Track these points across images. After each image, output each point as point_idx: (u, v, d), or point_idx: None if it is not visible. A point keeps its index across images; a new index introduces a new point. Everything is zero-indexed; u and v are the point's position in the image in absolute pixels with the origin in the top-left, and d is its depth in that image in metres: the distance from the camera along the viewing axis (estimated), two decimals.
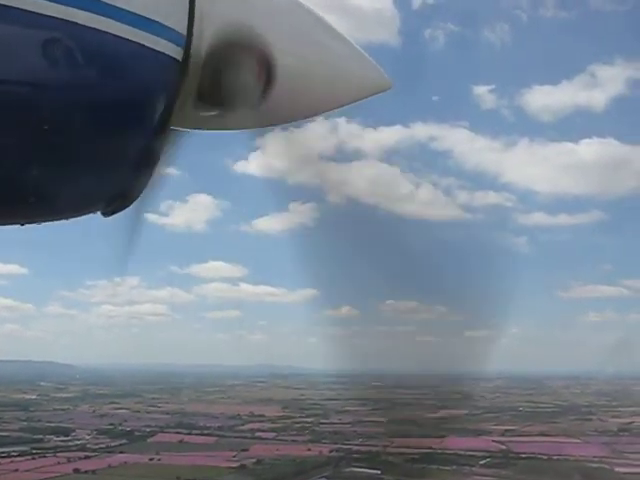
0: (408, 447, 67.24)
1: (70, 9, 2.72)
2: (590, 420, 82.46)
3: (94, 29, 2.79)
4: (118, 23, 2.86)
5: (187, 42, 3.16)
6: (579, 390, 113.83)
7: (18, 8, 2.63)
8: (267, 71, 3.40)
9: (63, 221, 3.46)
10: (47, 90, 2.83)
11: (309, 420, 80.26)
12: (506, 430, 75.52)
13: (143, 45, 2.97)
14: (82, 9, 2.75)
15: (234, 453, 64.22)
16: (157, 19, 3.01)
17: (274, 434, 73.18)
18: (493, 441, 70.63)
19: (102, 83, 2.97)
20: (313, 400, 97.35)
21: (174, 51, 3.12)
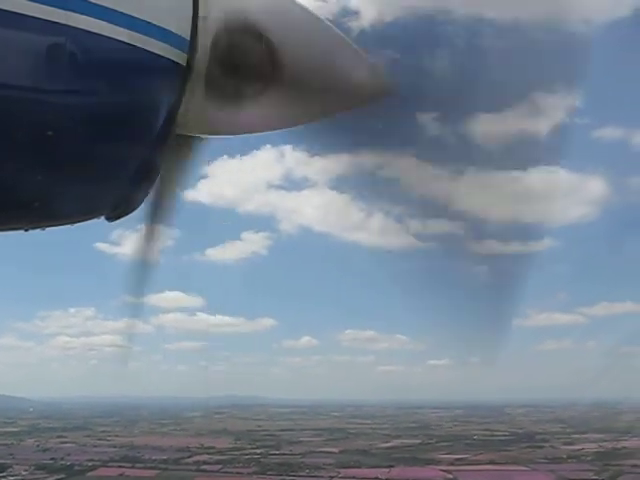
0: (354, 478, 66.45)
1: (74, 14, 2.71)
2: (542, 447, 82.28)
3: (97, 34, 2.78)
4: (121, 28, 2.85)
5: (191, 47, 3.14)
6: (536, 418, 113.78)
7: (20, 14, 2.62)
8: (272, 60, 3.36)
9: (67, 226, 3.44)
10: (51, 96, 2.81)
11: (259, 451, 79.19)
12: (456, 459, 74.92)
13: (147, 50, 2.95)
14: (86, 14, 2.75)
15: None
16: (161, 25, 3.00)
17: (219, 466, 71.81)
18: (441, 470, 69.95)
19: (106, 89, 2.96)
20: (268, 431, 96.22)
21: (178, 56, 3.11)
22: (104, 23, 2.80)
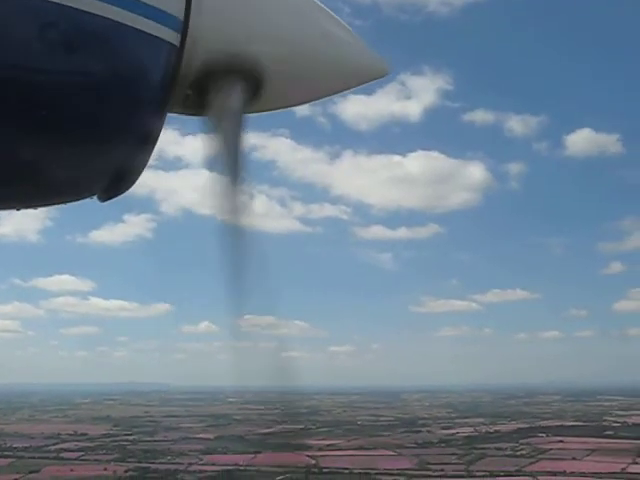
0: (214, 464, 65.61)
1: None
2: (418, 432, 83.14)
3: (90, 13, 2.79)
4: (114, 7, 2.86)
5: (184, 26, 3.13)
6: (429, 403, 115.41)
7: None
8: (257, 82, 3.40)
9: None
10: (43, 74, 2.82)
11: (131, 438, 77.35)
12: (327, 445, 74.77)
13: (140, 30, 2.96)
14: None
15: (20, 475, 60.48)
16: (153, 3, 3.00)
17: (81, 454, 69.75)
18: (307, 456, 69.66)
19: (99, 66, 2.95)
20: (153, 417, 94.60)
21: (171, 36, 3.10)
22: (95, 1, 2.81)
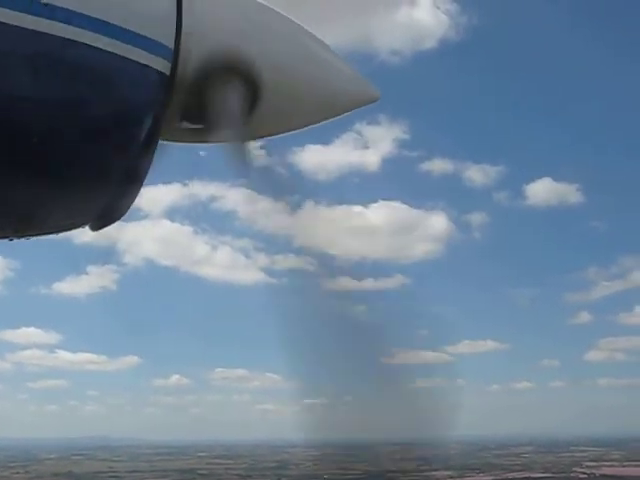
0: None
1: (57, 24, 2.70)
2: None
3: (81, 43, 2.78)
4: (105, 37, 2.85)
5: (175, 56, 3.14)
6: (400, 456, 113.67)
7: (4, 23, 2.62)
8: (253, 91, 3.41)
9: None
10: (35, 105, 2.81)
11: None
12: None
13: (131, 59, 2.95)
14: (68, 24, 2.74)
15: None
16: (144, 33, 2.99)
17: None
18: None
19: (90, 97, 2.96)
20: (116, 473, 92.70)
21: (162, 65, 3.10)
22: (88, 32, 2.80)
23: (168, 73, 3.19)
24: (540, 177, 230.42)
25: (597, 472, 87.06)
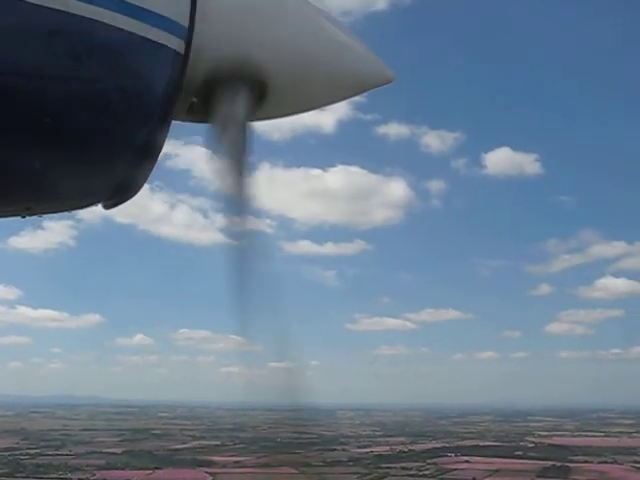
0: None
1: (69, 0, 2.72)
2: (333, 450, 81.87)
3: (96, 21, 2.79)
4: (120, 15, 2.86)
5: (189, 34, 3.14)
6: (360, 421, 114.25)
7: (24, 1, 2.63)
8: (261, 89, 3.41)
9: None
10: (49, 82, 2.82)
11: (32, 452, 75.08)
12: (234, 462, 73.36)
13: (145, 37, 2.96)
14: (85, 2, 2.74)
15: None
16: (159, 11, 3.00)
17: None
18: (207, 472, 68.33)
19: (105, 75, 2.95)
20: (70, 431, 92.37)
21: (176, 44, 3.11)
22: (101, 9, 2.80)
23: (182, 52, 3.15)
24: (499, 146, 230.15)
25: (546, 442, 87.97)
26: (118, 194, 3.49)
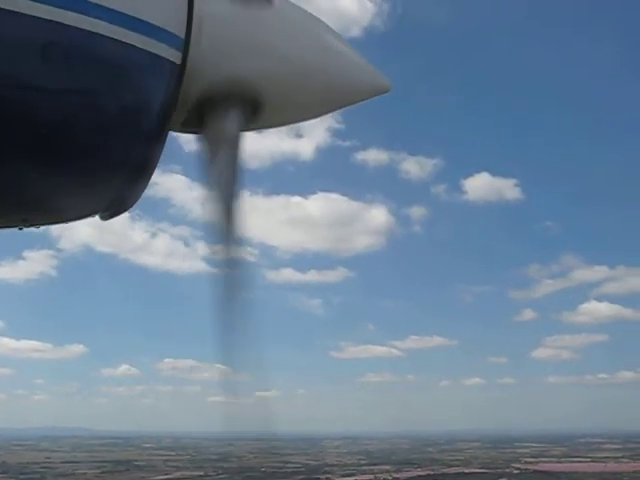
0: None
1: (67, 12, 2.72)
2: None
3: (92, 32, 2.78)
4: (116, 27, 2.84)
5: (185, 45, 3.13)
6: (347, 450, 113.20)
7: (16, 12, 2.63)
8: (255, 105, 3.43)
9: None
10: (46, 94, 2.80)
11: None
12: None
13: (141, 49, 2.95)
14: (78, 12, 2.74)
15: None
16: (155, 23, 3.00)
17: None
18: None
19: (103, 87, 2.94)
20: (51, 463, 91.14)
21: (173, 55, 3.10)
22: (99, 21, 2.80)
23: (179, 63, 3.15)
24: (478, 171, 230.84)
25: (532, 468, 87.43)
26: (115, 206, 3.47)
